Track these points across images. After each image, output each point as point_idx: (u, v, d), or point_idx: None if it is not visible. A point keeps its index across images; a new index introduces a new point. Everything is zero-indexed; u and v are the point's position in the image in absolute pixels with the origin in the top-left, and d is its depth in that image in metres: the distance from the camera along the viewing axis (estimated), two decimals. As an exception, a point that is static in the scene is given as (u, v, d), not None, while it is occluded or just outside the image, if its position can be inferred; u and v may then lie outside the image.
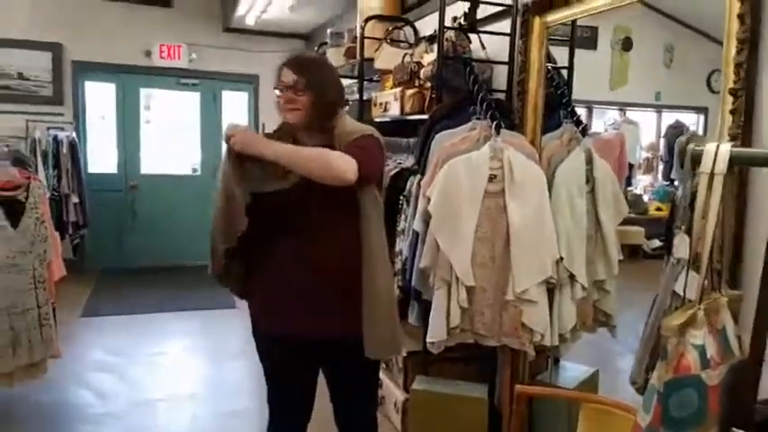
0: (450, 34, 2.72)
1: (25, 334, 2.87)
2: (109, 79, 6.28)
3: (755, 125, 1.58)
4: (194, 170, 6.79)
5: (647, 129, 3.67)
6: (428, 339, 2.48)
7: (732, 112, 1.58)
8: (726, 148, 0.96)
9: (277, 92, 1.82)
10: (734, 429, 0.97)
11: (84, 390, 3.54)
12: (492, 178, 2.40)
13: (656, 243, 2.89)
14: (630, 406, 1.80)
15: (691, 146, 1.00)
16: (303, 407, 2.04)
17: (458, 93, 2.63)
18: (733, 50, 1.57)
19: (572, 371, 2.95)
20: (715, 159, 0.95)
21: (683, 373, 0.92)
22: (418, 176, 2.64)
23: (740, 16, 1.55)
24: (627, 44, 3.25)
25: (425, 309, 2.56)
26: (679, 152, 0.98)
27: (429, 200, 2.37)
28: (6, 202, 2.79)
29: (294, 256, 1.83)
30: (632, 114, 3.58)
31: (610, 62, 3.37)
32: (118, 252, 6.42)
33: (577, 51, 2.75)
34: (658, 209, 3.41)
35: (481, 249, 2.42)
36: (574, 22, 2.63)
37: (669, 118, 3.64)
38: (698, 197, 0.97)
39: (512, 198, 2.39)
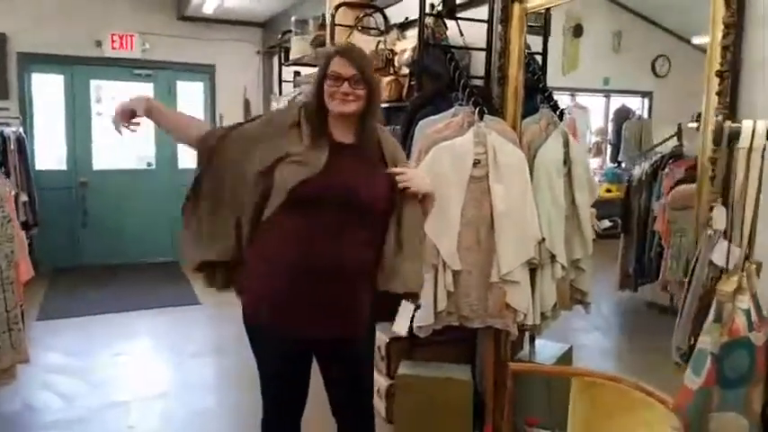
0: (428, 21, 2.73)
1: (-7, 340, 2.73)
2: (57, 71, 6.00)
3: (740, 105, 1.66)
4: (149, 164, 6.58)
5: (596, 113, 3.77)
6: (416, 324, 2.50)
7: (718, 93, 1.66)
8: (763, 124, 1.02)
9: (329, 81, 1.78)
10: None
11: (49, 394, 3.41)
12: (476, 163, 2.44)
13: (607, 223, 2.99)
14: (620, 377, 1.87)
15: (728, 123, 1.04)
16: (299, 399, 2.02)
17: (438, 79, 2.66)
18: (719, 35, 1.65)
19: (548, 348, 3.04)
20: (753, 135, 1.00)
21: (735, 336, 0.98)
22: (401, 163, 2.65)
23: (726, 2, 1.63)
24: (578, 31, 3.33)
25: (411, 294, 2.58)
26: (716, 130, 1.02)
27: (415, 186, 2.38)
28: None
29: (313, 254, 1.77)
30: (582, 99, 3.66)
31: (562, 48, 3.45)
32: (71, 251, 6.19)
33: (533, 38, 2.81)
34: (608, 190, 3.52)
35: (467, 233, 2.46)
36: (548, 9, 2.69)
37: (616, 102, 3.76)
38: (737, 171, 1.02)
39: (496, 182, 2.44)
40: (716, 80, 1.68)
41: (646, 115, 3.60)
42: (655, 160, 3.05)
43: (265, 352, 1.95)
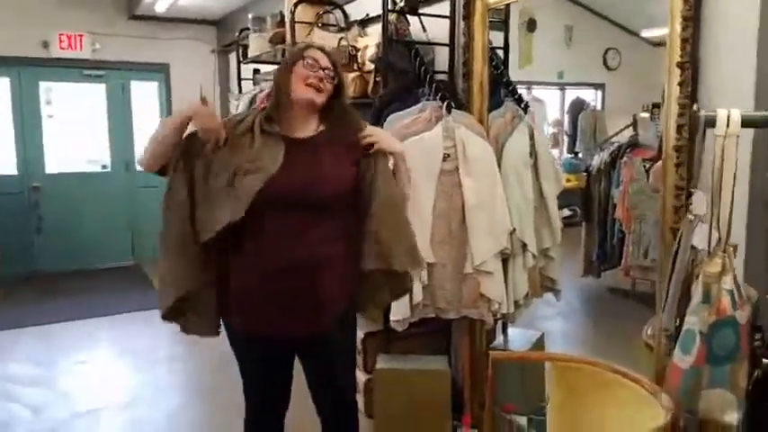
0: (391, 17, 2.75)
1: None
2: (3, 73, 5.78)
3: (700, 96, 1.74)
4: (104, 167, 6.41)
5: (552, 105, 3.87)
6: (393, 318, 2.54)
7: (680, 84, 1.74)
8: (737, 112, 1.08)
9: (307, 64, 1.79)
10: (764, 360, 1.11)
11: (15, 406, 3.32)
12: (446, 157, 2.48)
13: (566, 212, 3.07)
14: (596, 360, 1.94)
15: (702, 112, 1.10)
16: (281, 398, 2.04)
17: (404, 75, 2.68)
18: (678, 27, 1.72)
19: (521, 335, 3.10)
20: (728, 123, 1.06)
21: (722, 315, 1.04)
22: (371, 159, 2.67)
23: (684, -5, 1.71)
24: (531, 25, 3.40)
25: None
26: (691, 118, 1.08)
27: (386, 181, 2.41)
28: None
29: (278, 255, 1.76)
30: (538, 92, 3.75)
31: (517, 43, 3.53)
32: (25, 259, 5.98)
33: (494, 33, 2.84)
34: (567, 180, 3.62)
35: (439, 226, 2.50)
36: (508, 5, 2.73)
37: (571, 95, 3.86)
38: (715, 158, 1.08)
39: (466, 175, 2.48)
40: (677, 71, 1.76)
41: (599, 107, 3.72)
42: (612, 150, 3.16)
43: (244, 354, 1.96)
